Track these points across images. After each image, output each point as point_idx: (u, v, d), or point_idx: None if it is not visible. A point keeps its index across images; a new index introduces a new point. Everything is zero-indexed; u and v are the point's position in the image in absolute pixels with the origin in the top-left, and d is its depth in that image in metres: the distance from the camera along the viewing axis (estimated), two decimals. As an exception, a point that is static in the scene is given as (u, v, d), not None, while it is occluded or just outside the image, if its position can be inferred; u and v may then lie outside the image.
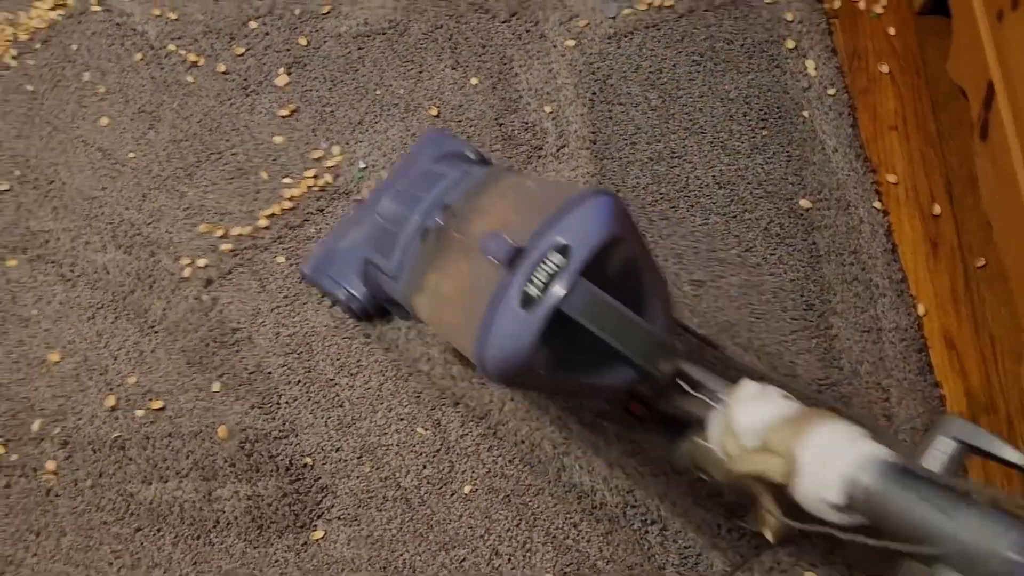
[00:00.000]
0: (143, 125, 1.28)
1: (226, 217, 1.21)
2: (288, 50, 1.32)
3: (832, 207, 1.17)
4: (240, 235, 1.20)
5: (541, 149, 1.23)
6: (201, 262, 1.18)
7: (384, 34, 1.32)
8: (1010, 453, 0.53)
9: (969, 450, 0.56)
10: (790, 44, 1.26)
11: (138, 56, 1.33)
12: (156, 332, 1.15)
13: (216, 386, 1.12)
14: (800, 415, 0.64)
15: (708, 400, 0.73)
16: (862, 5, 1.30)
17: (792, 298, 1.12)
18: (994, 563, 0.46)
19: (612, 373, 0.76)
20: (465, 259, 0.77)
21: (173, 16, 1.35)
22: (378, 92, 1.28)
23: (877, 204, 1.16)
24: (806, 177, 1.19)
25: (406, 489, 1.04)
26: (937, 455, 0.56)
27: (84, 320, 1.16)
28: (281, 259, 1.18)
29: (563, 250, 0.70)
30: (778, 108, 1.23)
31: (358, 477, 1.05)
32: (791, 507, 0.63)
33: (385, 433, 1.08)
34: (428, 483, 1.04)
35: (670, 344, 0.76)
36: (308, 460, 1.07)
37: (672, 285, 1.13)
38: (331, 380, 1.11)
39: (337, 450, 1.08)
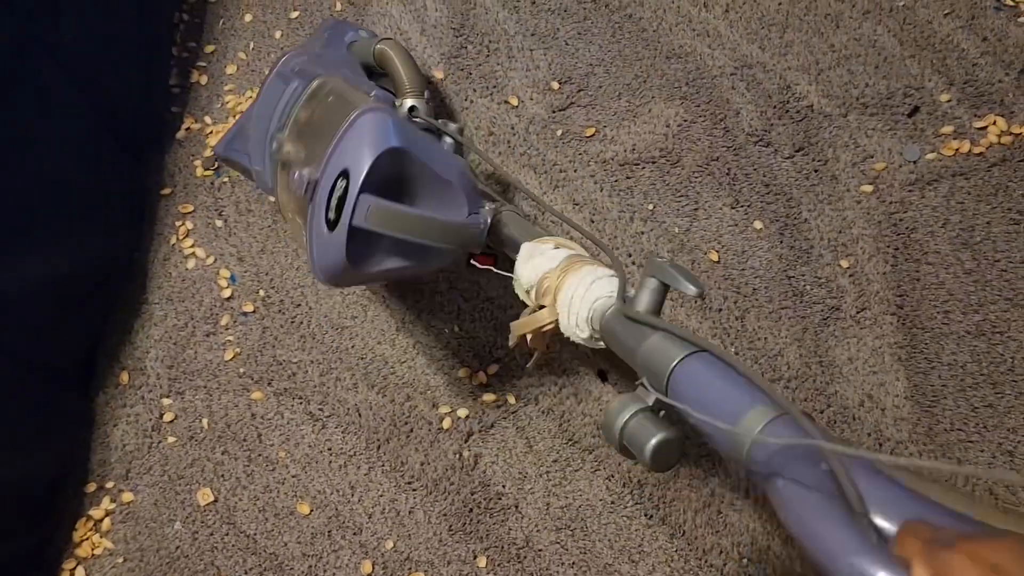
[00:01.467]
0: (395, 249, 1.19)
1: (486, 360, 1.11)
2: (547, 172, 1.22)
3: None
4: (504, 387, 1.10)
5: (839, 310, 1.10)
6: (462, 412, 1.09)
7: (655, 163, 1.21)
8: (688, 287, 0.66)
9: (664, 284, 0.69)
10: None
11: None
12: (415, 490, 1.05)
13: (482, 561, 1.01)
14: (562, 267, 0.75)
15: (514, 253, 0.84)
16: None
17: None
18: (664, 367, 0.59)
19: (436, 257, 0.85)
20: (289, 189, 0.85)
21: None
22: (649, 229, 1.18)
23: None
24: None
25: None
26: (647, 293, 0.69)
27: (335, 468, 1.07)
28: (548, 420, 1.07)
29: (344, 175, 0.77)
30: (1116, 283, 1.08)
31: None
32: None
33: (675, 638, 0.96)
34: None
35: (472, 226, 0.84)
36: (587, 661, 0.96)
37: (1004, 488, 0.99)
38: (609, 566, 1.00)
39: (619, 651, 0.96)
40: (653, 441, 0.58)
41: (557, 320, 0.75)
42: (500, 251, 0.91)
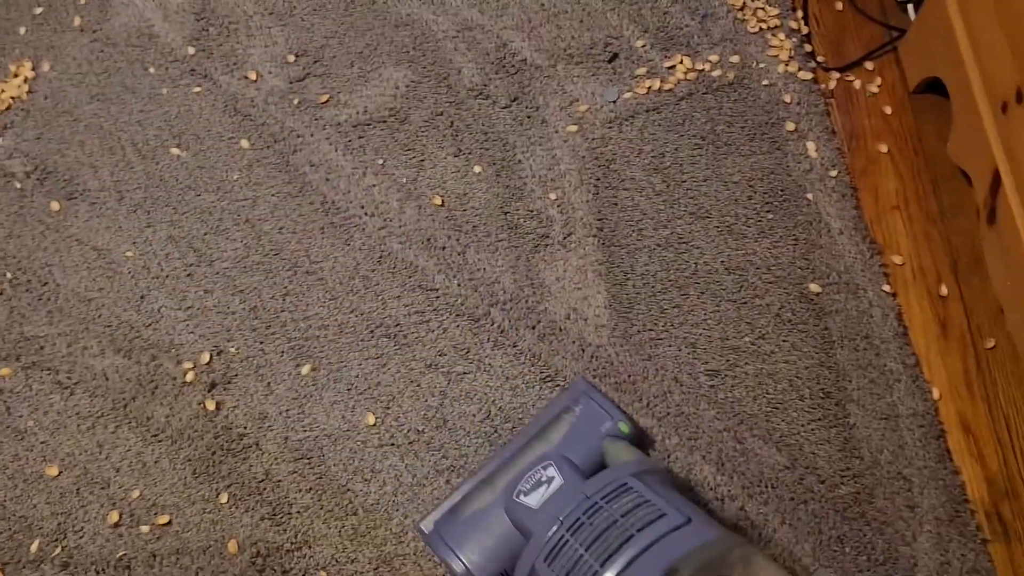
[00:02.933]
0: (139, 223, 1.25)
1: (229, 318, 1.18)
2: (285, 139, 1.30)
3: (842, 291, 1.17)
4: (246, 339, 1.17)
5: (548, 237, 1.22)
6: (203, 365, 1.15)
7: (384, 122, 1.31)
8: None
9: None
10: (790, 126, 1.27)
11: (131, 150, 1.30)
12: (160, 441, 1.11)
13: (224, 497, 1.08)
14: None
15: None
16: (858, 85, 1.32)
17: (808, 386, 1.12)
18: None
19: None
20: None
21: (167, 107, 1.34)
22: (380, 182, 1.27)
23: (886, 287, 1.16)
24: (814, 261, 1.19)
25: (427, 602, 1.01)
26: None
27: (83, 431, 1.12)
28: (287, 364, 1.15)
29: None
30: (782, 191, 1.23)
31: (377, 591, 1.02)
32: None
33: (402, 542, 1.05)
34: (450, 595, 1.01)
35: None
36: (323, 573, 1.04)
37: (688, 376, 1.12)
38: (344, 487, 1.08)
39: (352, 561, 1.04)
40: None
41: None
42: None
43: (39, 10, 1.42)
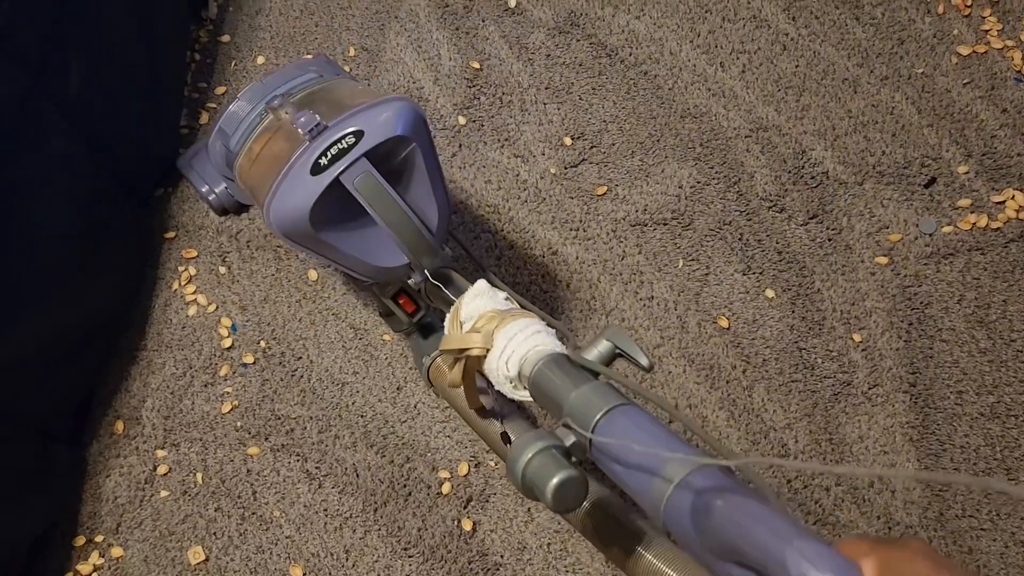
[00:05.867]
0: (400, 304, 1.17)
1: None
2: (555, 229, 1.20)
3: None
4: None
5: (850, 385, 1.08)
6: (461, 476, 1.06)
7: (666, 225, 1.20)
8: (640, 357, 0.67)
9: (618, 350, 0.69)
10: None
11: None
12: (411, 556, 1.03)
13: (477, 635, 0.98)
14: (509, 312, 0.75)
15: (454, 298, 0.82)
16: None
17: None
18: (591, 416, 0.59)
19: (383, 255, 0.86)
20: (284, 134, 0.85)
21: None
22: (658, 292, 1.16)
23: None
24: None
25: None
26: (596, 352, 0.69)
27: (331, 531, 1.05)
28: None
29: (357, 135, 0.80)
30: None
31: None
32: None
33: None
34: None
35: (434, 245, 0.86)
36: None
37: (1016, 581, 0.96)
38: (608, 645, 0.97)
39: None
40: (556, 479, 0.57)
41: (485, 353, 0.73)
42: (431, 304, 0.93)
43: (308, 57, 1.37)
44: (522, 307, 0.79)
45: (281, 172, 0.81)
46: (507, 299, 0.79)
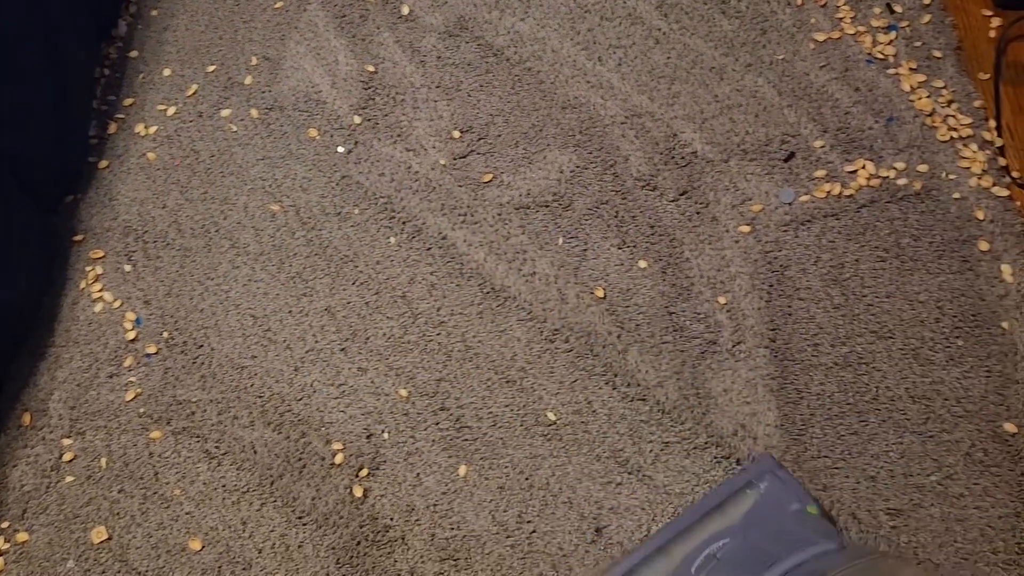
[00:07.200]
0: (297, 291, 1.24)
1: (381, 399, 1.15)
2: (445, 215, 1.28)
3: (1042, 434, 1.07)
4: (397, 423, 1.13)
5: (715, 344, 1.16)
6: (353, 447, 1.12)
7: (548, 207, 1.28)
8: None
9: None
10: (983, 245, 1.19)
11: (292, 215, 1.30)
12: (305, 524, 1.08)
13: (367, 593, 1.04)
14: None
15: None
16: (1057, 205, 1.23)
17: (1003, 538, 1.01)
18: None
19: None
20: None
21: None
22: (540, 269, 1.23)
23: (1094, 435, 1.06)
24: (1009, 397, 1.09)
25: None
26: None
27: (228, 505, 1.10)
28: (438, 455, 1.11)
29: None
30: (973, 316, 1.15)
31: None
32: None
33: (551, 664, 0.99)
34: None
35: None
36: None
37: (867, 513, 1.03)
38: (491, 595, 1.03)
39: None
40: None
41: None
42: None
43: (211, 68, 1.44)
44: None
45: None
46: None
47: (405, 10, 1.47)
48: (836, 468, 1.07)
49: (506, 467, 1.10)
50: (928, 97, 1.31)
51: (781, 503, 0.99)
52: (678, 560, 0.95)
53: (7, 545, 1.09)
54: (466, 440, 1.12)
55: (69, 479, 1.13)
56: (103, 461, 1.14)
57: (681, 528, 0.99)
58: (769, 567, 0.79)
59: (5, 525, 1.10)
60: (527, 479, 1.09)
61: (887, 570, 0.76)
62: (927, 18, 1.38)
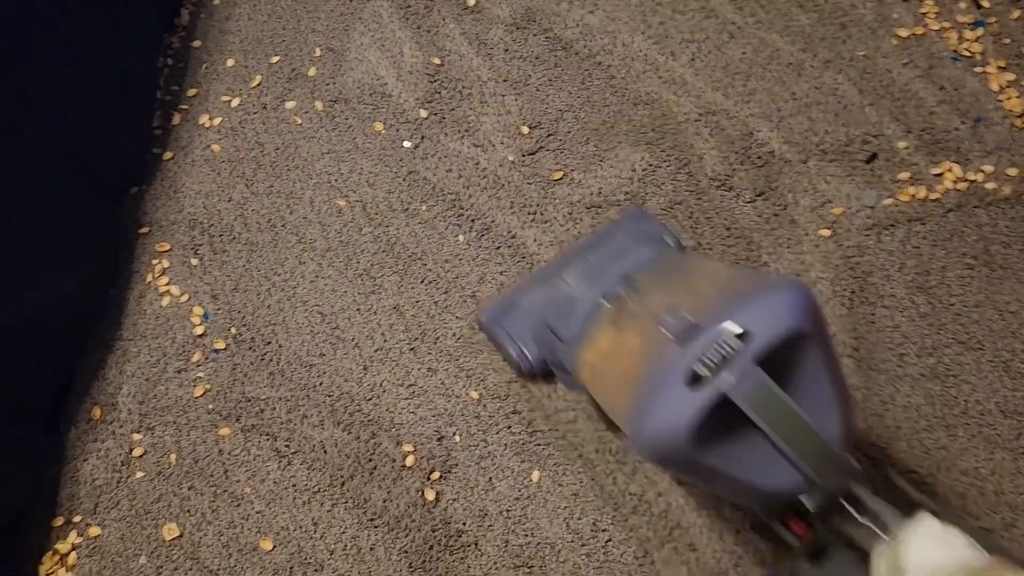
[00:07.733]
0: (365, 288, 1.22)
1: (452, 401, 1.13)
2: (514, 213, 1.25)
3: None
4: (468, 426, 1.12)
5: (796, 352, 1.13)
6: (424, 449, 1.10)
7: (620, 206, 1.24)
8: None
9: None
10: (1078, 254, 1.14)
11: (359, 211, 1.28)
12: (376, 527, 1.07)
13: (441, 599, 1.02)
14: (986, 568, 0.59)
15: (877, 530, 0.68)
16: None
17: (1100, 561, 0.98)
18: None
19: (775, 476, 0.71)
20: (637, 330, 0.76)
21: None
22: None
23: None
24: (1107, 413, 1.05)
25: None
26: None
27: (299, 505, 1.09)
28: (511, 460, 1.09)
29: (742, 335, 0.67)
30: (1068, 327, 1.10)
31: None
32: None
33: (629, 677, 0.97)
34: None
35: (844, 459, 0.72)
36: None
37: (956, 531, 1.00)
38: (566, 604, 1.01)
39: None
40: None
41: None
42: (833, 528, 0.76)
43: (274, 59, 1.42)
44: (989, 552, 0.62)
45: (647, 382, 0.69)
46: (969, 543, 0.63)
47: (471, 1, 1.44)
48: (924, 483, 1.04)
49: (580, 473, 1.08)
50: (1018, 97, 1.26)
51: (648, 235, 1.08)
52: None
53: (80, 539, 1.09)
54: (539, 445, 1.10)
55: (139, 474, 1.12)
56: (172, 457, 1.13)
57: (559, 265, 1.07)
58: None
59: (78, 519, 1.10)
60: (602, 488, 1.07)
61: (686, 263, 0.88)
62: (1016, 14, 1.33)
